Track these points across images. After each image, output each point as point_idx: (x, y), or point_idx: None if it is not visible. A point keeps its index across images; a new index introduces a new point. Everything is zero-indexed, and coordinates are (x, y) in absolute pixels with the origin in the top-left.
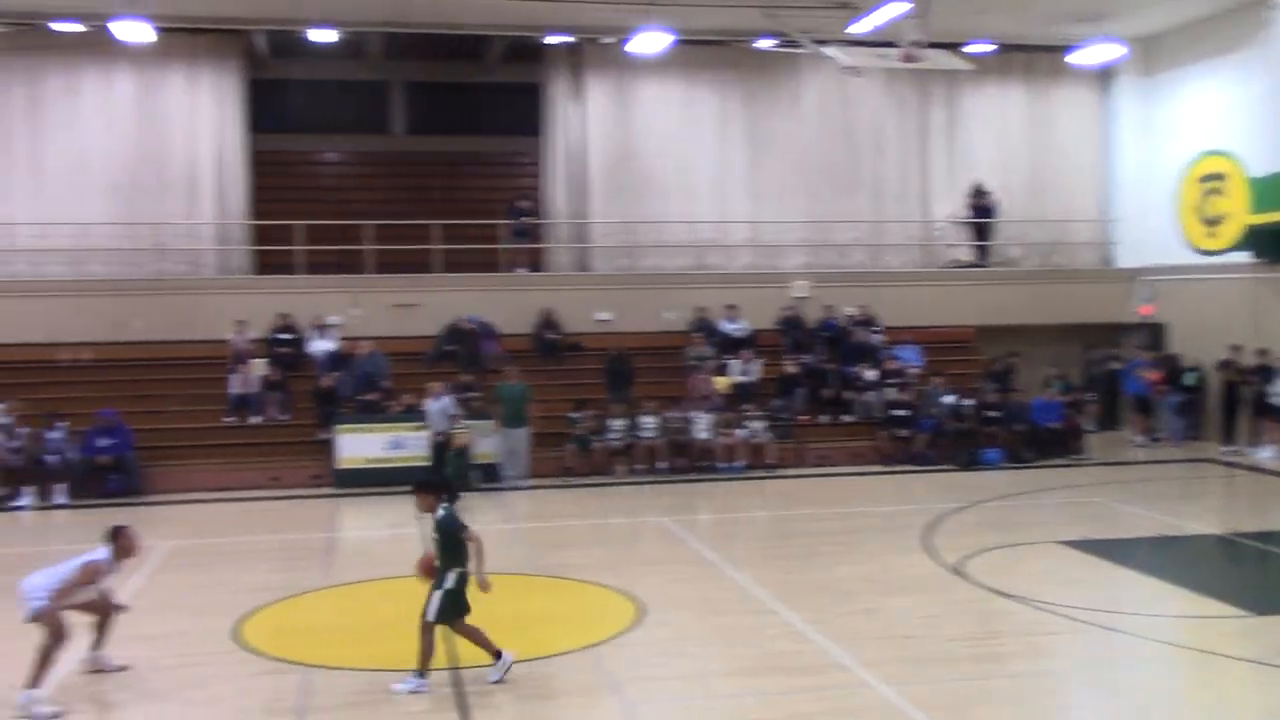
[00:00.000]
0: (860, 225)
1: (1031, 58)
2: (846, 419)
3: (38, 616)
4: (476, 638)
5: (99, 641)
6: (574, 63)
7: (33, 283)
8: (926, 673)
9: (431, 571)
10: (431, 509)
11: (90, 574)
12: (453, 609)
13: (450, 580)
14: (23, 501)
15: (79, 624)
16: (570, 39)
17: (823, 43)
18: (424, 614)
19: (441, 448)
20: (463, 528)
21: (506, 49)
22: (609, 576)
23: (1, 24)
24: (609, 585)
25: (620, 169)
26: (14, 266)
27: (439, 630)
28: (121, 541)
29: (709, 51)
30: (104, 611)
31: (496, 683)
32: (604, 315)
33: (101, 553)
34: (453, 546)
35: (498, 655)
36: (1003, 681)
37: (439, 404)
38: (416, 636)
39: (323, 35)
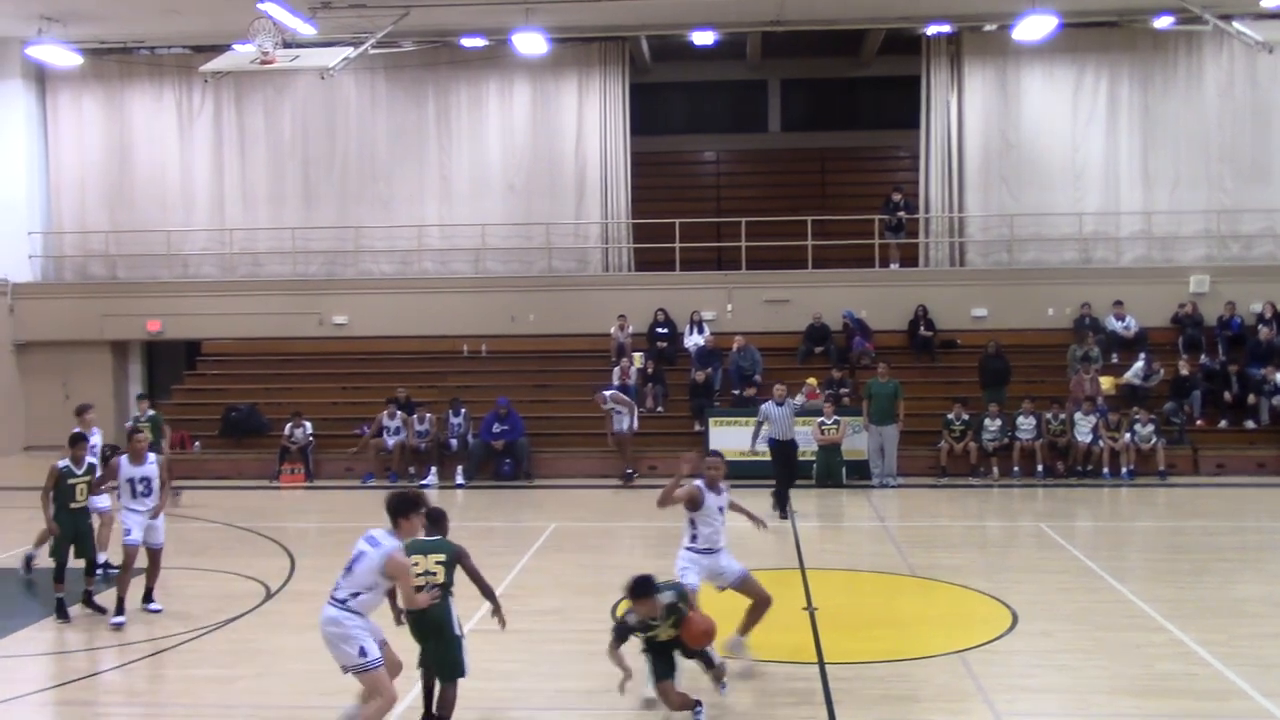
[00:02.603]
0: (1272, 214)
1: None
2: (1250, 425)
3: None
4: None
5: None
6: (953, 52)
7: (439, 279)
8: None
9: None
10: (653, 613)
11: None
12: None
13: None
14: (428, 481)
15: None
16: (950, 29)
17: (1229, 18)
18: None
19: (784, 450)
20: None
21: (883, 42)
22: (981, 581)
23: (417, 43)
24: (981, 590)
25: (999, 160)
26: (423, 265)
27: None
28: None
29: (1098, 34)
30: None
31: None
32: (979, 311)
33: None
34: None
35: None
36: None
37: (781, 409)
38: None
39: (703, 38)
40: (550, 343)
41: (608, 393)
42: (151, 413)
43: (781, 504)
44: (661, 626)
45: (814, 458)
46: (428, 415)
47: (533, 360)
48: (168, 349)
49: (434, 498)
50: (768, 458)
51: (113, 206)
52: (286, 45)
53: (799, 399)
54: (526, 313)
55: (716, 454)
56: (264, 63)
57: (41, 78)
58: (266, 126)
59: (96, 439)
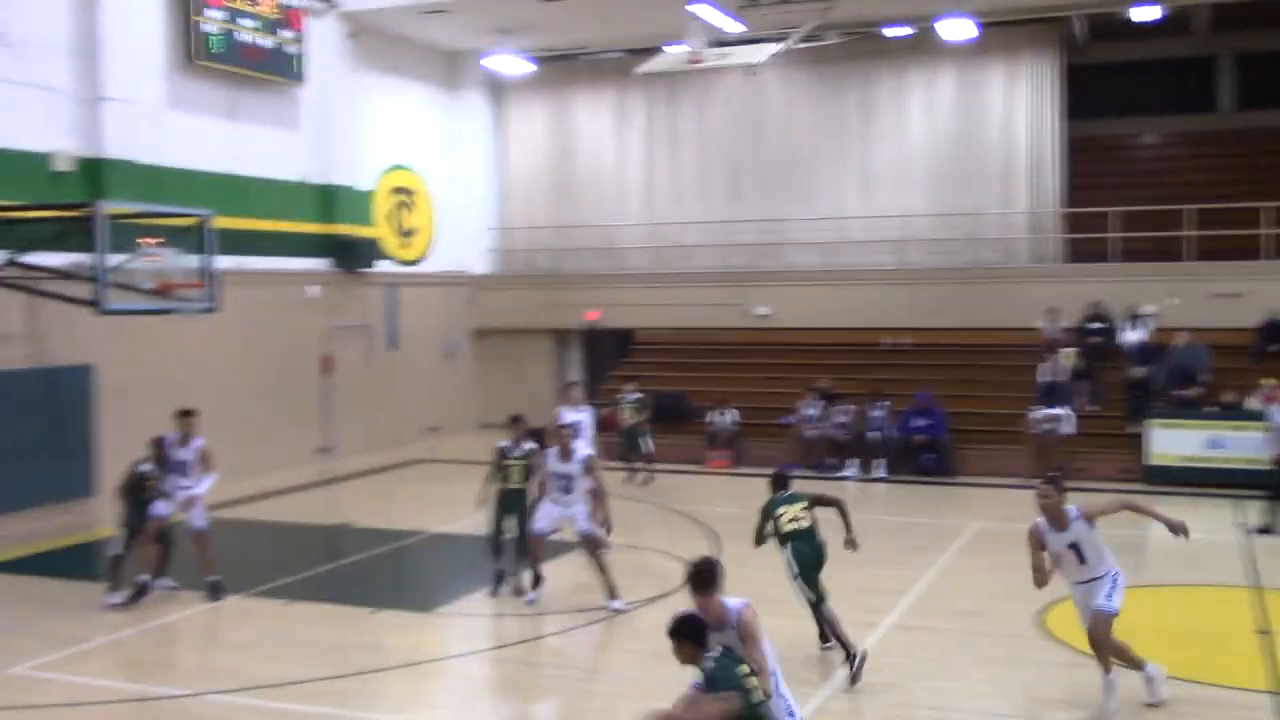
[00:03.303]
0: None
1: None
2: None
3: None
4: None
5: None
6: None
7: (861, 271)
8: None
9: None
10: (693, 660)
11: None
12: None
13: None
14: (847, 472)
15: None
16: None
17: None
18: None
19: None
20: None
21: None
22: None
23: (840, 34)
24: None
25: None
26: (845, 257)
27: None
28: None
29: None
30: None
31: None
32: None
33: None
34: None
35: None
36: None
37: None
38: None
39: (1145, 14)
40: (974, 336)
41: (1039, 414)
42: (639, 395)
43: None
44: None
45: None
46: (849, 407)
47: (955, 354)
48: (607, 337)
49: (853, 490)
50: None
51: (557, 203)
52: (716, 44)
53: (1257, 401)
54: (949, 305)
55: (1049, 479)
56: (694, 62)
57: (497, 86)
58: (695, 123)
59: (579, 416)
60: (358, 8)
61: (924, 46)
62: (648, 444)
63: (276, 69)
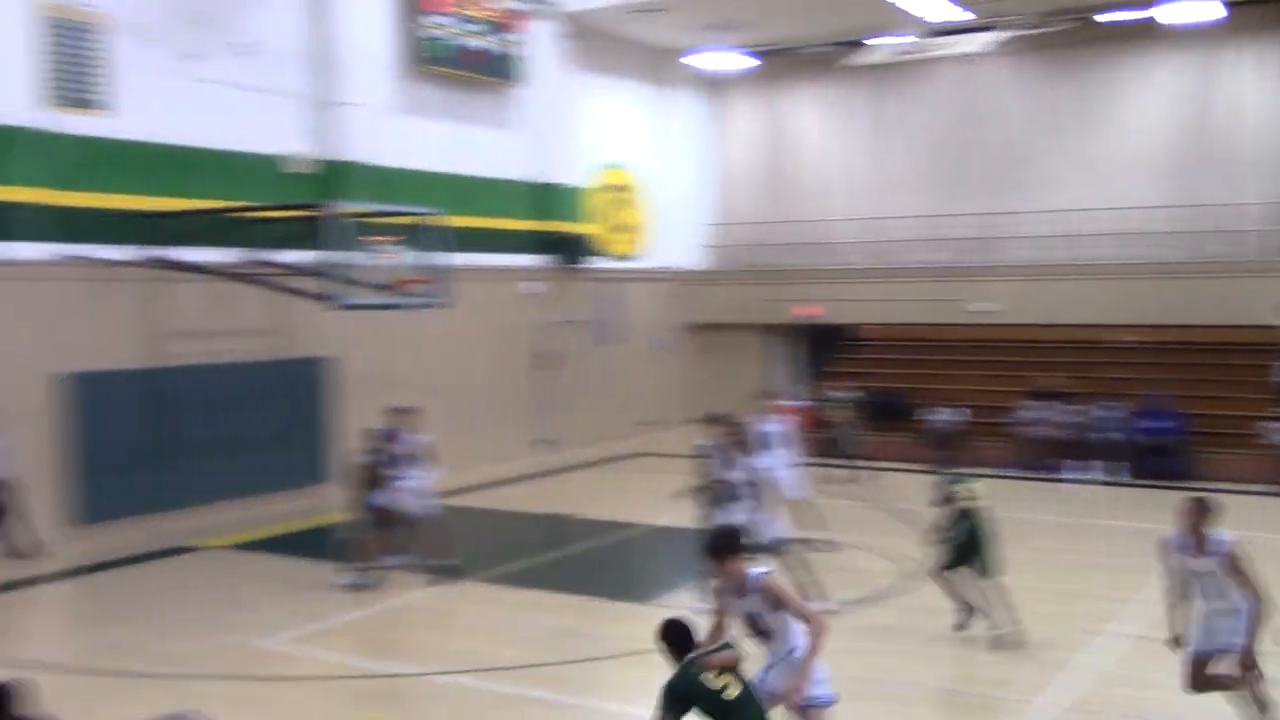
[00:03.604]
0: None
1: None
2: None
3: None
4: None
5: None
6: None
7: (1085, 266)
8: None
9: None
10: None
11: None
12: None
13: None
14: (1069, 474)
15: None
16: None
17: None
18: None
19: None
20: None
21: None
22: None
23: (1057, 21)
24: None
25: None
26: (1066, 251)
27: None
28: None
29: None
30: None
31: None
32: None
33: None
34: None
35: None
36: None
37: None
38: None
39: None
40: (1205, 334)
41: (1273, 425)
42: (847, 394)
43: None
44: None
45: None
46: (1074, 407)
47: (1187, 352)
48: (818, 333)
49: (1078, 492)
50: None
51: (771, 198)
52: (932, 34)
53: None
54: (1176, 301)
55: (1197, 501)
56: (909, 53)
57: (711, 82)
58: (911, 116)
59: (773, 426)
60: (575, 8)
61: (1150, 30)
62: (856, 444)
63: (497, 71)
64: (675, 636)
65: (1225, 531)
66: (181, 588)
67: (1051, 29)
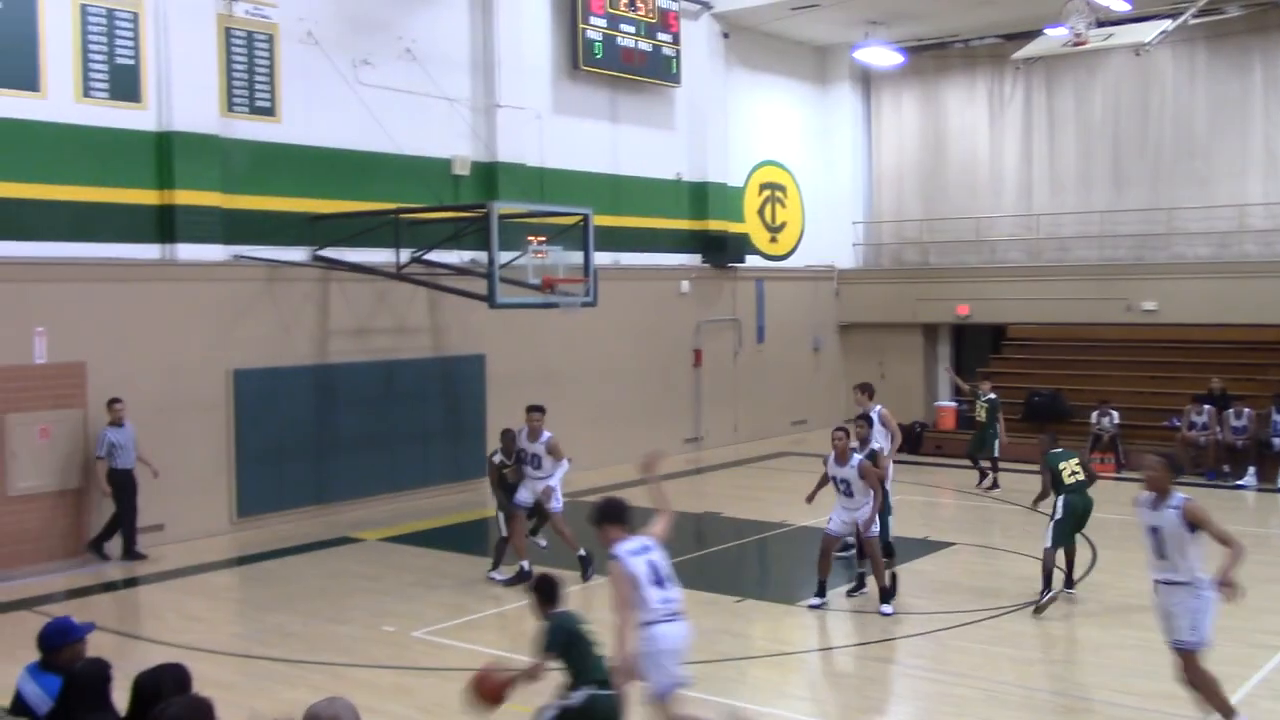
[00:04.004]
0: None
1: None
2: None
3: None
4: None
5: None
6: None
7: (1263, 263)
8: None
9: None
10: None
11: None
12: None
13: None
14: (1245, 481)
15: None
16: None
17: None
18: None
19: None
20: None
21: None
22: None
23: (1242, 8)
24: None
25: None
26: (1244, 247)
27: None
28: None
29: None
30: None
31: None
32: None
33: None
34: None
35: None
36: None
37: None
38: None
39: None
40: None
41: None
42: (992, 395)
43: None
44: None
45: None
46: (1246, 411)
47: None
48: (973, 332)
49: (1252, 501)
50: None
51: (926, 195)
52: (1100, 24)
53: None
54: None
55: (1163, 454)
56: (1076, 44)
57: (866, 78)
58: (1076, 109)
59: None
60: (731, 7)
61: None
62: (996, 447)
63: (654, 71)
64: (541, 589)
65: None
66: (339, 576)
67: (1232, 15)
